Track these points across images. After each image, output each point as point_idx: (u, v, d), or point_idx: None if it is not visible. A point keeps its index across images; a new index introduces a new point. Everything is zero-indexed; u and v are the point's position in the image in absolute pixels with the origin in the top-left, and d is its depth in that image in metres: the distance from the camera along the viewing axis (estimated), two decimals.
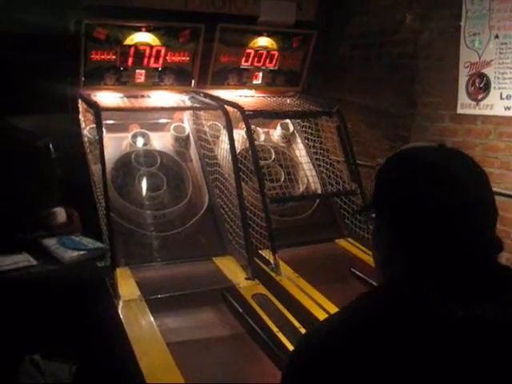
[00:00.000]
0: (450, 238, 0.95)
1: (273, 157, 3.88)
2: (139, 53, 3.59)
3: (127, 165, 3.53)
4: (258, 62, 4.00)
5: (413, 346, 0.87)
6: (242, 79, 4.04)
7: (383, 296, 0.95)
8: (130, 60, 3.59)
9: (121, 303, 2.71)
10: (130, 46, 3.55)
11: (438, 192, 0.95)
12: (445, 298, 0.90)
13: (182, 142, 3.78)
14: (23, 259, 2.48)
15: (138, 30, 3.52)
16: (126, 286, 2.85)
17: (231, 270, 3.17)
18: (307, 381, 0.91)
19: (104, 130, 3.23)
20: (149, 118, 3.80)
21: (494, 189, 3.31)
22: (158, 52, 3.64)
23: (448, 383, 0.86)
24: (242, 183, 3.36)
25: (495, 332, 0.88)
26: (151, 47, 3.61)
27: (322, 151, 3.95)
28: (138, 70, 3.66)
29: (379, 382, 0.86)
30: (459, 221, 0.95)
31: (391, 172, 1.04)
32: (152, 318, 2.60)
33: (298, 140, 4.10)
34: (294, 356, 0.97)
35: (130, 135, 3.65)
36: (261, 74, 4.08)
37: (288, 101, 4.13)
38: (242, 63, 3.97)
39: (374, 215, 1.05)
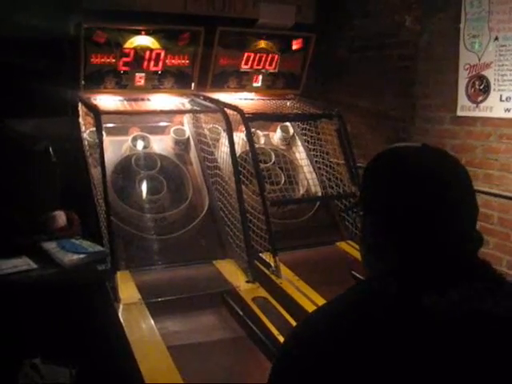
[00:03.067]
0: (432, 236, 0.98)
1: (273, 159, 3.87)
2: (139, 56, 3.59)
3: (127, 168, 3.52)
4: (258, 64, 4.01)
5: (399, 339, 0.89)
6: (242, 82, 4.04)
7: (369, 291, 0.98)
8: (130, 63, 3.60)
9: (121, 306, 2.71)
10: (129, 50, 3.55)
11: (419, 191, 0.98)
12: (427, 290, 0.92)
13: (182, 145, 3.78)
14: (23, 263, 2.47)
15: (138, 33, 3.53)
16: (127, 289, 2.84)
17: (231, 273, 3.17)
18: (293, 375, 0.93)
19: (104, 133, 3.23)
20: (149, 121, 3.80)
21: (494, 190, 3.27)
22: (158, 55, 3.64)
23: (436, 373, 0.88)
24: (242, 186, 3.36)
25: (477, 322, 0.91)
26: (151, 50, 3.61)
27: (322, 154, 3.95)
28: (137, 74, 3.66)
29: (367, 377, 0.87)
30: (441, 219, 0.98)
31: (376, 172, 1.08)
32: (152, 322, 2.60)
33: (298, 143, 4.10)
34: (282, 349, 1.01)
35: (130, 138, 3.65)
36: (260, 77, 4.08)
37: (288, 103, 4.14)
38: (242, 66, 3.97)
39: (361, 213, 1.09)
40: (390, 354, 0.88)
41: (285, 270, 3.18)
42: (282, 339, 2.52)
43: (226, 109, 3.52)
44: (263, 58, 4.00)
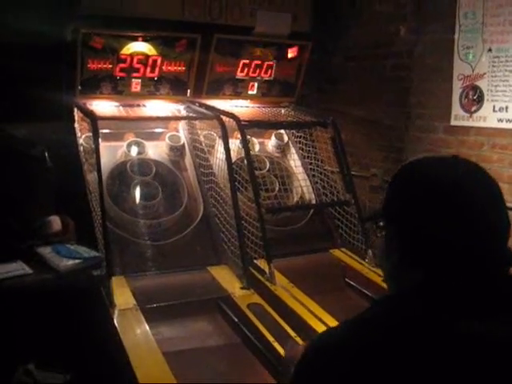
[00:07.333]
0: (462, 253, 0.93)
1: (267, 167, 3.88)
2: (135, 62, 3.60)
3: (122, 174, 3.52)
4: (254, 72, 4.03)
5: (423, 364, 0.85)
6: (238, 89, 4.06)
7: (394, 309, 0.93)
8: (126, 69, 3.60)
9: (116, 312, 2.70)
10: (126, 56, 3.56)
11: (450, 206, 0.94)
12: (456, 314, 0.88)
13: (177, 151, 3.78)
14: (18, 268, 2.46)
15: (135, 39, 3.54)
16: (122, 295, 2.84)
17: (226, 279, 3.16)
18: None
19: (99, 138, 3.22)
20: (144, 127, 3.80)
21: None
22: (154, 61, 3.65)
23: None
24: (237, 193, 3.37)
25: (506, 350, 0.87)
26: (147, 57, 3.62)
27: (316, 162, 3.96)
28: (134, 80, 3.67)
29: None
30: (471, 235, 0.93)
31: (405, 184, 1.03)
32: (147, 328, 2.59)
33: (293, 150, 4.11)
34: (302, 360, 0.97)
35: (125, 144, 3.64)
36: (256, 85, 4.10)
37: (283, 111, 4.16)
38: (238, 73, 3.99)
39: (382, 224, 1.04)
40: (419, 377, 0.85)
41: (279, 277, 3.19)
42: (276, 346, 2.52)
43: (221, 116, 3.53)
44: (259, 66, 4.02)
